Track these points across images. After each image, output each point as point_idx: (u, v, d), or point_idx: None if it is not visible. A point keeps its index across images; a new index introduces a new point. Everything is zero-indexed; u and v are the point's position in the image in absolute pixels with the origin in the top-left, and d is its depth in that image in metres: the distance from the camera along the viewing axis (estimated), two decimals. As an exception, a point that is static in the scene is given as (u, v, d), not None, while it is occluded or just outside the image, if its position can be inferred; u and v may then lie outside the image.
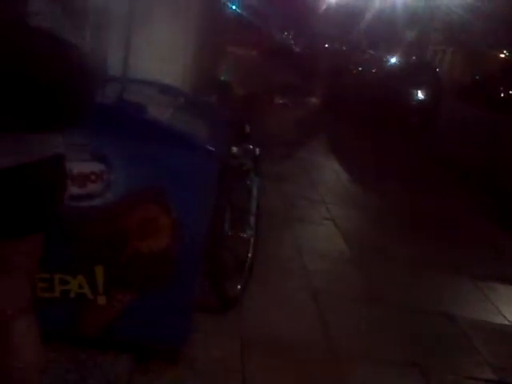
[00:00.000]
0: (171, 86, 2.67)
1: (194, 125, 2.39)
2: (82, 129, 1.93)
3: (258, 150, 2.91)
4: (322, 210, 4.66)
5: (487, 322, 3.21)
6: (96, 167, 1.95)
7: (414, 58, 14.04)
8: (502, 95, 9.36)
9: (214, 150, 2.04)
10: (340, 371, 2.44)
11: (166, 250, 2.03)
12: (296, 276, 3.29)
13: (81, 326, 2.10)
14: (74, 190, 1.95)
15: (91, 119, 1.94)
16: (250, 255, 2.99)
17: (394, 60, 12.01)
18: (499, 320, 3.26)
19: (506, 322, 3.25)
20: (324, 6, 19.51)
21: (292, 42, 17.60)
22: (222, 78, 4.38)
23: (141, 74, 2.65)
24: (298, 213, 4.46)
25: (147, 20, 3.07)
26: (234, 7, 8.62)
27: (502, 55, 17.01)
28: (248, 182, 2.91)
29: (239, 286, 2.79)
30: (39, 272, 2.02)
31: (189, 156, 1.99)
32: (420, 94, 10.30)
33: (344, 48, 15.26)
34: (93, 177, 1.96)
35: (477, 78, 12.00)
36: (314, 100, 9.84)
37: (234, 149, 2.61)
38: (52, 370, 1.99)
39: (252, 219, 3.01)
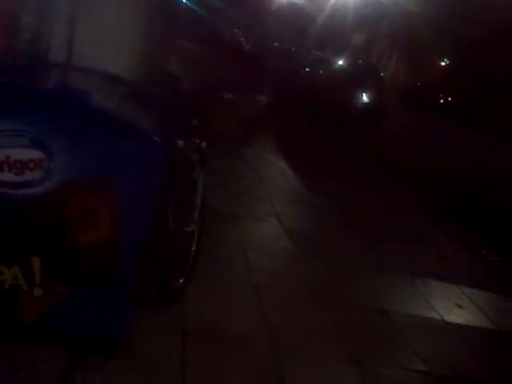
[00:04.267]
0: (116, 75, 2.61)
1: (140, 115, 2.36)
2: (22, 115, 1.89)
3: (204, 143, 2.90)
4: (267, 206, 4.71)
5: (420, 316, 3.36)
6: (35, 155, 1.89)
7: (360, 61, 14.40)
8: (442, 101, 9.76)
9: (159, 141, 2.02)
10: (279, 366, 2.48)
11: (107, 242, 2.00)
12: (239, 271, 3.31)
13: (15, 317, 2.03)
14: (12, 177, 1.89)
15: (32, 105, 1.89)
16: (193, 249, 2.98)
17: (340, 62, 12.27)
18: (432, 315, 3.42)
19: (438, 317, 3.41)
20: (275, 6, 19.64)
21: (242, 40, 17.62)
22: (170, 71, 4.34)
23: (85, 62, 2.58)
24: (243, 209, 4.48)
25: (94, 6, 2.99)
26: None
27: (443, 63, 17.74)
28: (193, 176, 2.89)
29: (181, 280, 2.77)
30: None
31: (133, 146, 1.96)
32: (365, 97, 10.58)
33: (293, 48, 15.41)
34: (31, 164, 1.89)
35: (418, 83, 12.45)
36: (262, 98, 9.91)
37: (181, 142, 2.59)
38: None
39: (196, 213, 3.00)
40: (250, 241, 3.83)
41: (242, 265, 3.40)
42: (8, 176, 1.89)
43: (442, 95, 10.07)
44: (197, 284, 2.86)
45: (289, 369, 2.47)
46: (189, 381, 2.20)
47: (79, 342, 2.11)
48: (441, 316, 3.42)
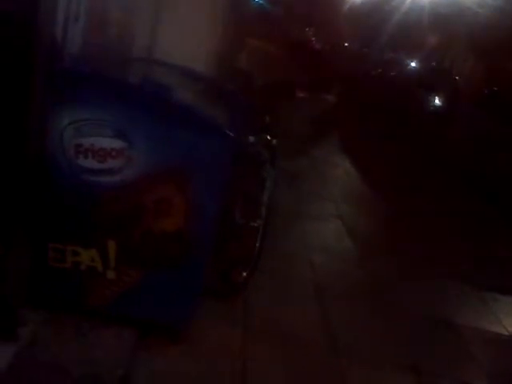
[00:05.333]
0: (195, 70, 2.69)
1: (215, 110, 2.42)
2: (107, 106, 1.99)
3: (275, 141, 2.93)
4: (331, 207, 4.69)
5: (487, 330, 3.23)
6: (117, 144, 1.99)
7: (433, 63, 13.97)
8: (518, 108, 9.29)
9: (233, 135, 2.06)
10: (338, 369, 2.46)
11: (179, 231, 2.07)
12: (301, 269, 3.32)
13: (88, 298, 2.14)
14: (94, 164, 1.99)
15: (116, 97, 1.99)
16: (257, 245, 3.02)
17: (413, 64, 11.95)
18: (498, 329, 3.28)
19: (505, 332, 3.26)
20: (348, 5, 19.38)
21: (313, 39, 17.53)
22: (244, 68, 4.41)
23: (166, 57, 2.68)
24: (308, 208, 4.48)
25: (174, 5, 3.10)
26: (257, -1, 8.60)
27: (523, 68, 16.83)
28: (263, 173, 2.93)
29: (245, 274, 2.82)
30: (52, 242, 2.08)
31: (208, 140, 2.02)
32: (437, 101, 10.25)
33: (365, 49, 15.18)
34: (113, 153, 1.99)
35: (495, 88, 11.90)
36: (331, 98, 9.86)
37: (252, 138, 2.63)
38: (55, 338, 2.04)
39: (263, 210, 3.03)
40: (313, 240, 3.83)
41: (305, 263, 3.41)
42: (92, 163, 2.00)
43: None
44: (260, 279, 2.90)
45: (347, 373, 2.45)
46: (249, 375, 2.23)
47: (146, 324, 2.20)
48: (509, 332, 3.28)
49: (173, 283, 2.14)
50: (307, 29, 19.46)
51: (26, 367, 1.87)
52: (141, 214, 2.05)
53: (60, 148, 1.97)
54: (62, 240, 2.09)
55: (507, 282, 4.14)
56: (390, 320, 3.00)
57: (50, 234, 2.09)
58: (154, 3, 2.96)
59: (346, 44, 17.03)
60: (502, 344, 3.14)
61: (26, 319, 2.04)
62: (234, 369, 2.24)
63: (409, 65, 11.76)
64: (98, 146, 1.97)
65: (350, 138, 8.05)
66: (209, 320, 2.44)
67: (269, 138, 2.87)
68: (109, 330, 2.16)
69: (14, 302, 1.99)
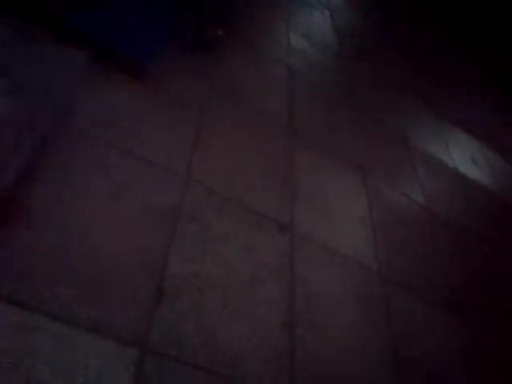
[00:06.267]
0: None
1: None
2: None
3: None
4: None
5: (435, 156, 3.32)
6: None
7: None
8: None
9: None
10: (292, 155, 2.46)
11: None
12: (277, 49, 3.10)
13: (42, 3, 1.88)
14: None
15: None
16: (235, 5, 2.74)
17: None
18: (445, 158, 3.38)
19: (449, 161, 3.38)
20: None
21: None
22: None
23: None
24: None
25: None
26: None
27: None
28: None
29: (220, 33, 2.59)
30: None
31: None
32: None
33: None
34: None
35: None
36: None
37: None
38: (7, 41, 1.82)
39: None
40: (297, 25, 3.54)
41: (283, 45, 3.18)
42: None
43: None
44: (233, 43, 2.69)
45: (300, 159, 2.46)
46: (204, 126, 2.18)
47: (106, 52, 2.01)
48: (452, 160, 3.40)
49: (140, 18, 1.90)
50: None
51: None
52: None
53: None
54: None
55: (468, 118, 4.17)
56: (351, 122, 2.98)
57: None
58: None
59: None
60: (443, 170, 3.26)
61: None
62: (190, 116, 2.16)
63: None
64: None
65: None
66: (174, 72, 2.28)
67: None
68: (64, 46, 1.95)
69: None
